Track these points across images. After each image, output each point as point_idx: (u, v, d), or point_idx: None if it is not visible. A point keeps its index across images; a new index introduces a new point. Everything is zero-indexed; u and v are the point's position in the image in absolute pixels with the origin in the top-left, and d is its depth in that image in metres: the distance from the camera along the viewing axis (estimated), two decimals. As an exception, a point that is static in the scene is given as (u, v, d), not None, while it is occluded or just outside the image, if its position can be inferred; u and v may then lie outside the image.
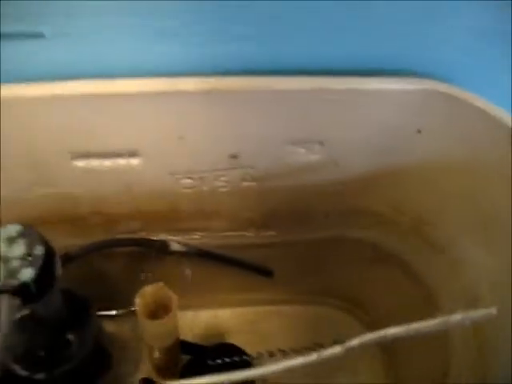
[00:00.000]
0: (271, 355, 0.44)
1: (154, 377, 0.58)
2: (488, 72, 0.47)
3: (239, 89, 0.42)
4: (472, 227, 0.48)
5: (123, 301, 0.59)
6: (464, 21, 0.44)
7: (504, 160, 0.43)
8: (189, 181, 0.50)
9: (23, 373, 0.46)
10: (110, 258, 0.57)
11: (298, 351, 0.45)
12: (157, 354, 0.55)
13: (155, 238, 0.56)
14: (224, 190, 0.51)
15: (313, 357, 0.35)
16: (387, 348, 0.63)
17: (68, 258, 0.50)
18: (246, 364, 0.52)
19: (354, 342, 0.35)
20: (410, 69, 0.46)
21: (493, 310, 0.33)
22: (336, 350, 0.35)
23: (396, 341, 0.34)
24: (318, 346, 0.40)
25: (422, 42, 0.45)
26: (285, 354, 0.47)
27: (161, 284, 0.50)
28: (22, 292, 0.37)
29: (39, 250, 0.38)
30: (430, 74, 0.46)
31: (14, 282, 0.36)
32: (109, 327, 0.62)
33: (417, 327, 0.34)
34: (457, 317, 0.34)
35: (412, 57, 0.46)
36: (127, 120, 0.44)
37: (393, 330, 0.34)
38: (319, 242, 0.60)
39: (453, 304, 0.52)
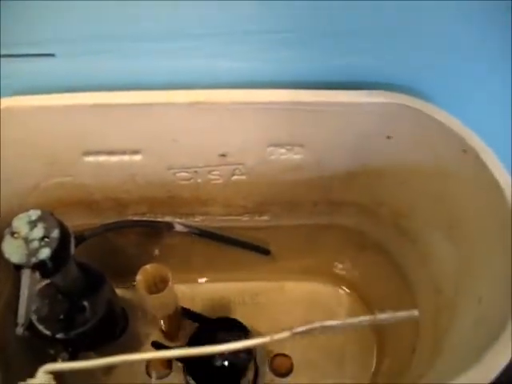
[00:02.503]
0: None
1: (162, 340, 0.66)
2: (459, 86, 0.51)
3: (222, 101, 0.47)
4: (439, 223, 0.53)
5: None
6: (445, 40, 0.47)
7: (460, 166, 0.47)
8: (184, 174, 0.56)
9: (46, 332, 0.54)
10: (124, 235, 0.64)
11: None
12: (161, 322, 0.62)
13: (160, 220, 0.63)
14: (217, 182, 0.57)
15: (266, 339, 0.41)
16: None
17: (83, 238, 0.56)
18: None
19: (300, 328, 0.41)
20: (390, 82, 0.50)
21: (415, 312, 0.38)
22: (285, 334, 0.41)
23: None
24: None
25: (401, 57, 0.49)
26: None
27: (159, 264, 0.56)
28: (41, 268, 0.44)
29: (55, 233, 0.44)
30: (408, 86, 0.50)
31: (34, 260, 0.43)
32: (126, 295, 0.69)
33: (351, 322, 0.40)
34: (384, 315, 0.39)
35: (392, 71, 0.50)
36: (129, 126, 0.50)
37: (330, 322, 0.40)
38: (311, 227, 0.65)
39: (424, 292, 0.57)
